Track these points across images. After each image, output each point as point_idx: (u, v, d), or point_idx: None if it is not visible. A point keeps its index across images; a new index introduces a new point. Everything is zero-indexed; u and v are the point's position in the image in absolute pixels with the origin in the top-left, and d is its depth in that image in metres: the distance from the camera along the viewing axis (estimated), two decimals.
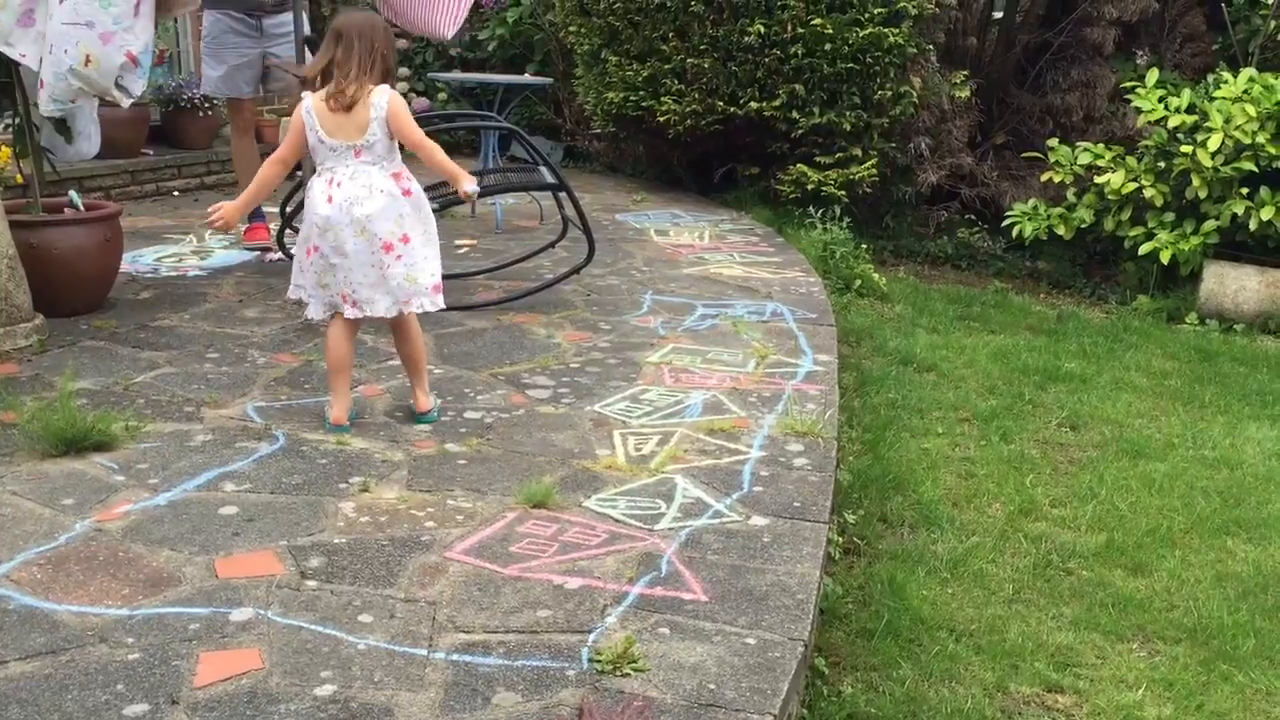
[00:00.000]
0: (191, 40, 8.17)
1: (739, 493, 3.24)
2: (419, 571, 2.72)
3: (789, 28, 7.14)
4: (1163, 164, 6.88)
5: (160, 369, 4.09)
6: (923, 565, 3.34)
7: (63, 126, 4.65)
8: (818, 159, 7.41)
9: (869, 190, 7.55)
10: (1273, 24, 7.88)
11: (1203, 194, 6.65)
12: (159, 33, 4.51)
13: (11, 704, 2.15)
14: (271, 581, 2.65)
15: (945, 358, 5.34)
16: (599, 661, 2.35)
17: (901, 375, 5.01)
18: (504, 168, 6.83)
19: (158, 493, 3.09)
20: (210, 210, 3.56)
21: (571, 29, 8.26)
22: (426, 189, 3.69)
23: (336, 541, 2.85)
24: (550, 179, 5.28)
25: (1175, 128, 6.78)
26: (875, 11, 7.13)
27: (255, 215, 6.12)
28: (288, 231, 5.40)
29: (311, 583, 2.65)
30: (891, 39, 7.13)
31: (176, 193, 7.56)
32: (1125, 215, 7.03)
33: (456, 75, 9.03)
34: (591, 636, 2.45)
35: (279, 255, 5.60)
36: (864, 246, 6.89)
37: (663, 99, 7.57)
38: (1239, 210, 6.53)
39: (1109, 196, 7.01)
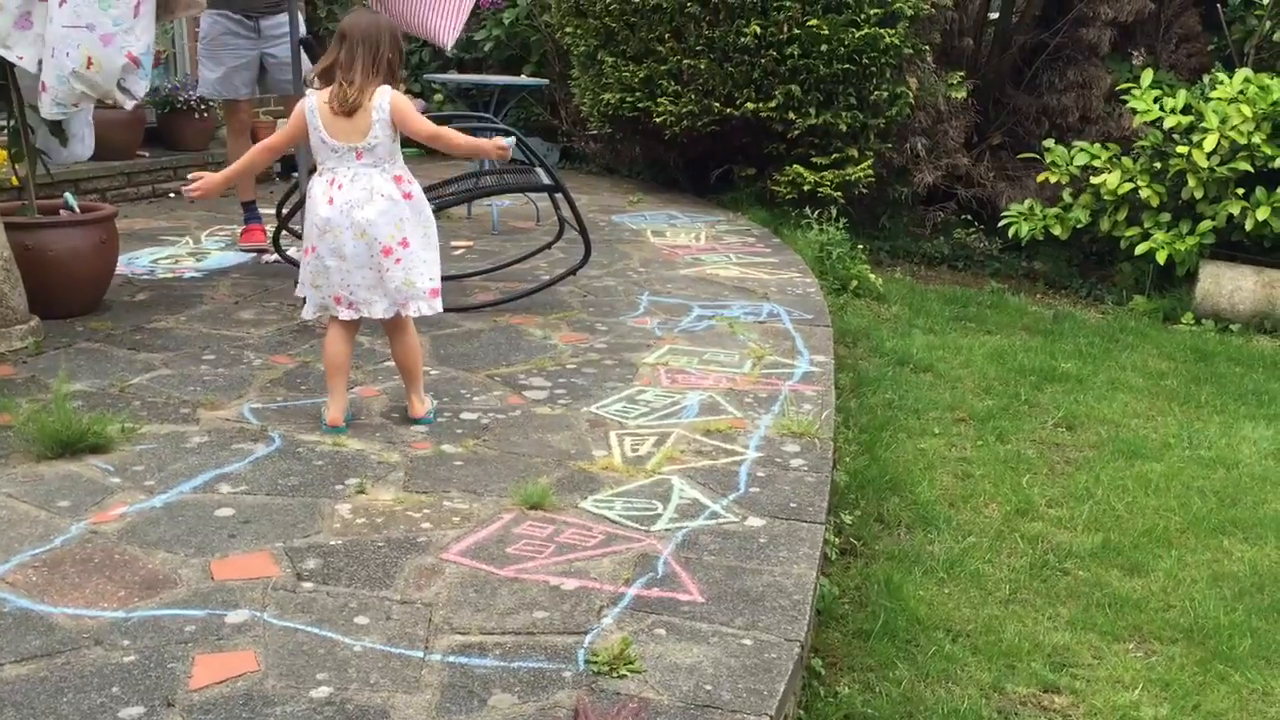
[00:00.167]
0: (188, 41, 8.17)
1: (735, 494, 3.24)
2: (415, 573, 2.71)
3: (785, 28, 7.15)
4: (1159, 164, 6.89)
5: (156, 371, 4.09)
6: (919, 566, 3.34)
7: (57, 129, 4.64)
8: (814, 160, 7.41)
9: (865, 191, 7.56)
10: (1268, 24, 7.89)
11: (1199, 194, 6.65)
12: (156, 34, 4.50)
13: (7, 707, 2.15)
14: (267, 583, 2.64)
15: (942, 358, 5.34)
16: (595, 663, 2.34)
17: (898, 376, 5.02)
18: (500, 169, 6.82)
19: (153, 495, 3.09)
20: (192, 176, 3.57)
21: (568, 30, 8.27)
22: (425, 190, 3.69)
23: (333, 543, 2.85)
24: (546, 180, 5.28)
25: (1171, 128, 6.79)
26: (871, 12, 7.14)
27: (251, 217, 6.12)
28: (283, 232, 5.40)
29: (308, 584, 2.64)
30: (888, 40, 7.14)
31: (173, 195, 7.55)
32: (1121, 215, 7.04)
33: (453, 76, 9.03)
34: (588, 638, 2.45)
35: (275, 257, 5.60)
36: (860, 247, 6.89)
37: (659, 100, 7.57)
38: (1235, 210, 6.54)
39: (1105, 197, 7.02)
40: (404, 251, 3.49)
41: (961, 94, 7.93)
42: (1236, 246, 6.73)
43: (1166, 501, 3.90)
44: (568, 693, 2.25)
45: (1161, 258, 6.72)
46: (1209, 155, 6.53)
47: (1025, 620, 3.10)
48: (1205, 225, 6.67)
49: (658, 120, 7.63)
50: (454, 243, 6.32)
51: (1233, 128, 6.50)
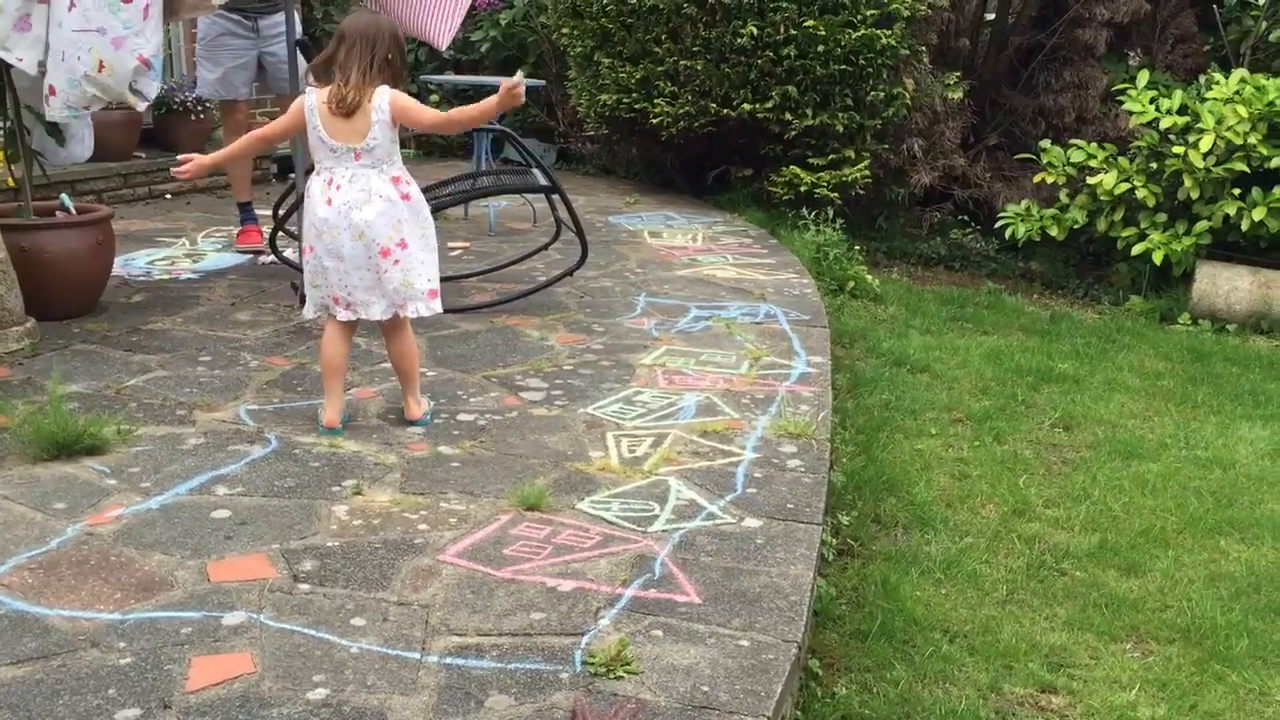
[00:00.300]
0: (185, 43, 8.16)
1: (732, 494, 3.24)
2: (412, 574, 2.71)
3: (781, 29, 7.15)
4: (1155, 165, 6.90)
5: (152, 372, 4.08)
6: (916, 566, 3.34)
7: (54, 129, 4.64)
8: (811, 160, 7.41)
9: (862, 192, 7.56)
10: (1264, 25, 7.91)
11: (1195, 195, 6.66)
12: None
13: (2, 709, 2.14)
14: (264, 585, 2.64)
15: (938, 359, 5.34)
16: (592, 664, 2.34)
17: (895, 376, 5.02)
18: (497, 170, 6.83)
19: (150, 496, 3.08)
20: (181, 159, 3.59)
21: (564, 31, 8.27)
22: (422, 191, 3.69)
23: (329, 545, 2.85)
24: (543, 181, 5.28)
25: (1167, 129, 6.80)
26: (868, 13, 7.14)
27: (248, 218, 6.11)
28: (280, 234, 5.40)
29: (304, 586, 2.64)
30: (884, 41, 7.14)
31: (169, 196, 7.54)
32: (1118, 216, 7.05)
33: (449, 78, 9.03)
34: (585, 639, 2.45)
35: (271, 258, 5.60)
36: (857, 248, 6.90)
37: (656, 101, 7.57)
38: (1231, 211, 6.54)
39: (1101, 197, 7.02)
40: (402, 253, 3.49)
41: (958, 95, 7.93)
42: (1233, 247, 6.74)
43: (1163, 502, 3.90)
44: (565, 694, 2.25)
45: (1158, 258, 6.73)
46: (1205, 155, 6.53)
47: (1022, 621, 3.10)
48: (1201, 225, 6.67)
49: (654, 121, 7.63)
50: (451, 244, 6.32)
51: (1229, 128, 6.51)
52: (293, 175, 5.09)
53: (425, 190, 4.50)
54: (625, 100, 7.74)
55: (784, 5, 7.10)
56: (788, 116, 7.28)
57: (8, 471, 3.21)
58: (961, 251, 8.00)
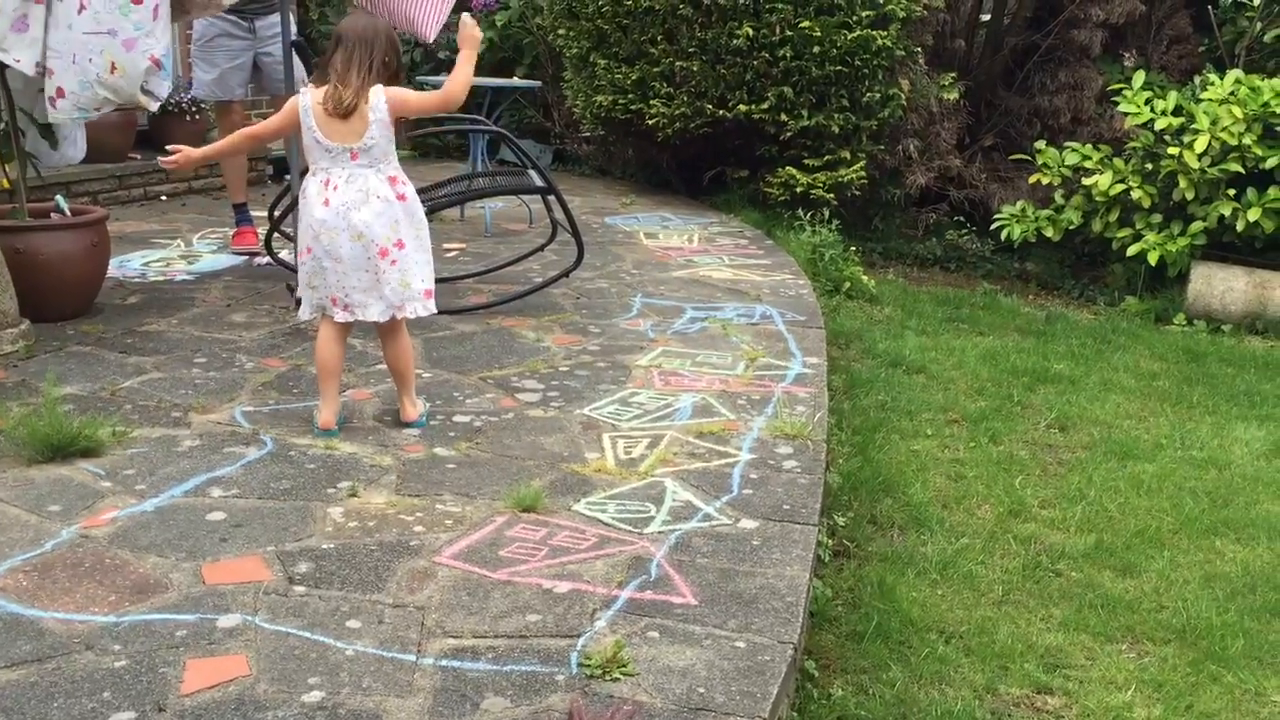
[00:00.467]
0: (180, 44, 8.15)
1: (728, 496, 3.24)
2: (408, 576, 2.71)
3: (777, 30, 7.15)
4: (1150, 166, 6.91)
5: (147, 374, 4.08)
6: (912, 567, 3.34)
7: (47, 131, 4.63)
8: (806, 161, 7.42)
9: (858, 192, 7.57)
10: (1259, 26, 7.92)
11: (1190, 195, 6.67)
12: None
13: None
14: (259, 587, 2.63)
15: (934, 359, 5.34)
16: (588, 666, 2.34)
17: (891, 377, 5.02)
18: (493, 171, 6.83)
19: (145, 499, 3.08)
20: (171, 149, 3.60)
21: (560, 32, 8.27)
22: (417, 192, 3.69)
23: (325, 547, 2.84)
24: (539, 182, 5.28)
25: (1162, 130, 6.81)
26: (863, 14, 7.15)
27: (243, 220, 6.11)
28: (275, 235, 5.39)
29: (299, 588, 2.64)
30: (880, 42, 7.15)
31: (164, 197, 7.54)
32: (1113, 217, 7.06)
33: (445, 78, 9.01)
34: (581, 641, 2.45)
35: (267, 260, 5.59)
36: (853, 249, 6.90)
37: (651, 102, 7.58)
38: (1226, 211, 6.55)
39: (1097, 198, 7.03)
40: (399, 253, 3.49)
41: (953, 96, 7.94)
42: (1228, 247, 6.75)
43: (1159, 502, 3.90)
44: (561, 696, 2.25)
45: (1153, 259, 6.74)
46: (1200, 156, 6.54)
47: (1018, 621, 3.10)
48: (1197, 226, 6.68)
49: (650, 122, 7.64)
50: (446, 245, 6.32)
51: (1224, 129, 6.52)
52: (288, 176, 5.08)
53: (422, 191, 4.51)
54: (621, 101, 7.74)
55: (780, 6, 7.11)
56: (783, 117, 7.29)
57: (2, 474, 3.20)
58: (957, 252, 8.00)
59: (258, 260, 5.79)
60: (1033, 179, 7.47)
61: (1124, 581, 3.37)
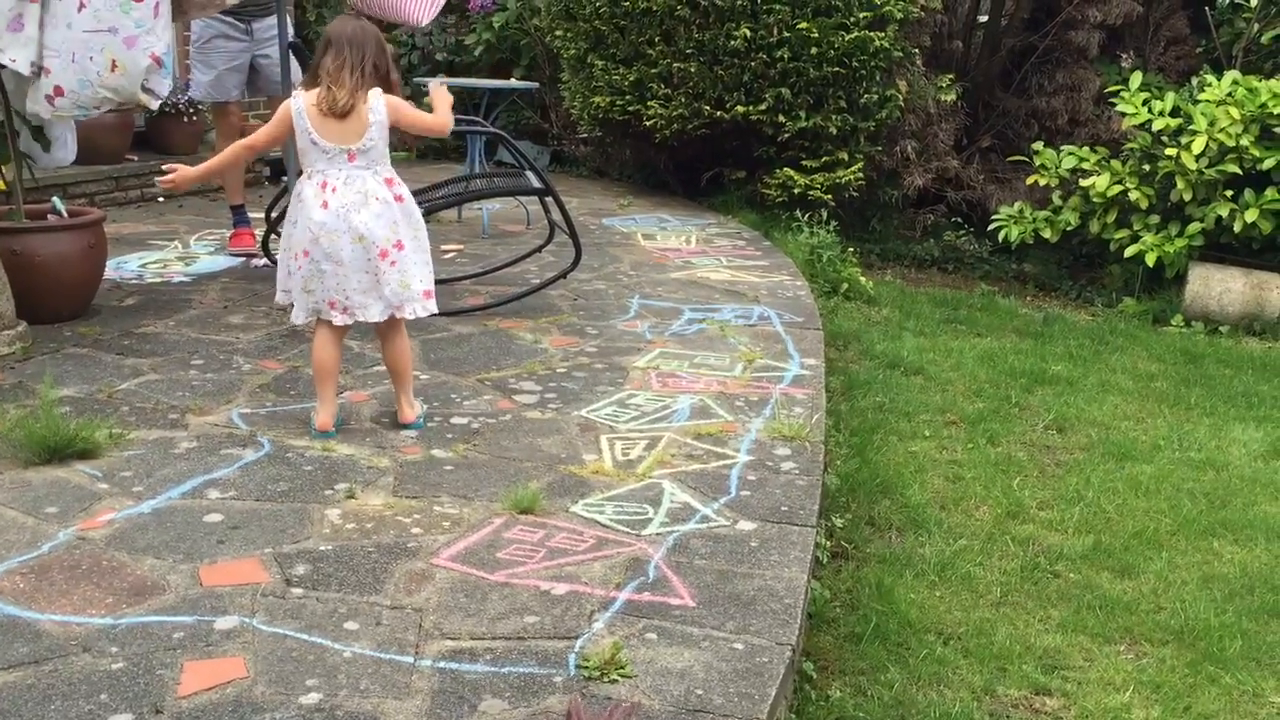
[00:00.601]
0: (178, 46, 8.14)
1: (726, 497, 3.24)
2: (405, 578, 2.70)
3: (775, 32, 7.15)
4: (1147, 167, 6.91)
5: (144, 376, 4.07)
6: (910, 568, 3.34)
7: (39, 134, 4.63)
8: (804, 163, 7.42)
9: (855, 194, 7.57)
10: (1256, 27, 7.93)
11: (1187, 196, 6.68)
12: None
13: None
14: (256, 589, 2.63)
15: (932, 361, 5.34)
16: (586, 668, 2.34)
17: (888, 378, 5.02)
18: (490, 172, 6.83)
19: (142, 500, 3.07)
20: (167, 168, 3.58)
21: (557, 33, 8.26)
22: (415, 193, 3.69)
23: (322, 549, 2.84)
24: (536, 183, 5.27)
25: (1160, 131, 6.81)
26: (861, 16, 7.15)
27: (240, 221, 6.10)
28: (272, 236, 5.38)
29: (297, 590, 2.63)
30: (877, 43, 7.15)
31: (161, 199, 7.52)
32: (1110, 218, 7.06)
33: (443, 80, 9.01)
34: (579, 643, 2.44)
35: (264, 261, 5.59)
36: (850, 250, 6.90)
37: (649, 103, 7.57)
38: (1223, 212, 6.56)
39: (1094, 199, 7.04)
40: (399, 254, 3.49)
41: (951, 97, 7.95)
42: (1225, 248, 6.75)
43: (1157, 503, 3.90)
44: (558, 698, 2.24)
45: (1151, 260, 6.74)
46: (1197, 157, 6.55)
47: (1016, 623, 3.10)
48: (1194, 227, 6.69)
49: (648, 123, 7.63)
50: (444, 246, 6.31)
51: (1221, 130, 6.52)
52: (285, 178, 5.08)
53: (419, 193, 4.52)
54: (619, 102, 7.74)
55: (777, 7, 7.11)
56: (781, 119, 7.29)
57: None
58: (955, 253, 8.01)
59: (255, 262, 5.78)
60: (1030, 180, 7.47)
61: (1122, 583, 3.37)
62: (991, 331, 6.10)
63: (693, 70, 7.35)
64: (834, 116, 7.30)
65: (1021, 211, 7.47)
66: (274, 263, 5.40)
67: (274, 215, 5.24)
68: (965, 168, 8.34)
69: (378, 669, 2.33)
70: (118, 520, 2.95)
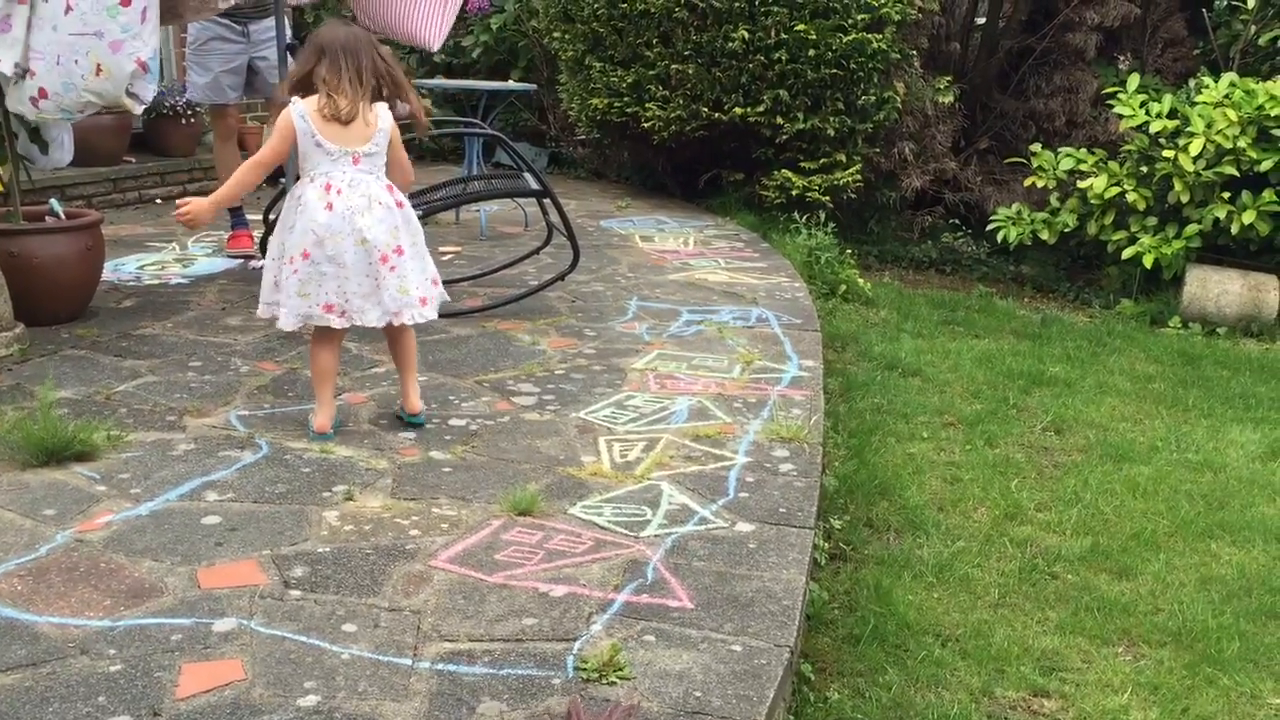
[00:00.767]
0: (175, 47, 8.14)
1: (725, 499, 3.24)
2: (403, 580, 2.70)
3: (772, 33, 7.16)
4: (1145, 168, 6.92)
5: (142, 378, 4.07)
6: (909, 570, 3.34)
7: (37, 136, 4.62)
8: (802, 164, 7.43)
9: (853, 195, 7.58)
10: (1254, 29, 7.94)
11: (1185, 198, 6.68)
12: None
13: None
14: (255, 591, 2.63)
15: (930, 362, 5.35)
16: (585, 670, 2.34)
17: (886, 380, 5.02)
18: (488, 174, 6.83)
19: (140, 503, 3.07)
20: (180, 203, 3.51)
21: (555, 35, 8.27)
22: (413, 195, 3.68)
23: (320, 550, 2.84)
24: (534, 185, 5.27)
25: (1157, 132, 6.82)
26: (858, 18, 7.16)
27: (238, 223, 6.10)
28: (270, 238, 5.38)
29: (295, 592, 2.63)
30: (875, 45, 7.16)
31: (159, 200, 7.52)
32: (1108, 220, 7.07)
33: (441, 82, 9.02)
34: (577, 645, 2.44)
35: (262, 263, 5.57)
36: (848, 251, 6.90)
37: (647, 105, 7.58)
38: (1221, 214, 6.57)
39: (1092, 201, 7.05)
40: (399, 259, 3.49)
41: (949, 98, 7.95)
42: (1223, 250, 6.76)
43: (1154, 505, 3.91)
44: (557, 699, 2.24)
45: (1148, 261, 6.75)
46: (1195, 159, 6.56)
47: (1014, 624, 3.10)
48: (1192, 229, 6.70)
49: (646, 125, 7.64)
50: (442, 248, 6.31)
51: (1218, 132, 6.53)
52: (283, 180, 5.08)
53: (418, 194, 4.52)
54: (617, 104, 7.75)
55: (775, 9, 7.11)
56: (779, 120, 7.29)
57: None
58: (953, 255, 8.01)
59: (253, 263, 5.78)
60: (1028, 182, 7.48)
61: (1120, 584, 3.37)
62: (989, 333, 6.10)
63: (691, 72, 7.36)
64: (832, 118, 7.31)
65: (1019, 213, 7.48)
66: None
67: (272, 217, 5.24)
68: (963, 169, 8.35)
69: (376, 671, 2.33)
70: (116, 522, 2.95)
